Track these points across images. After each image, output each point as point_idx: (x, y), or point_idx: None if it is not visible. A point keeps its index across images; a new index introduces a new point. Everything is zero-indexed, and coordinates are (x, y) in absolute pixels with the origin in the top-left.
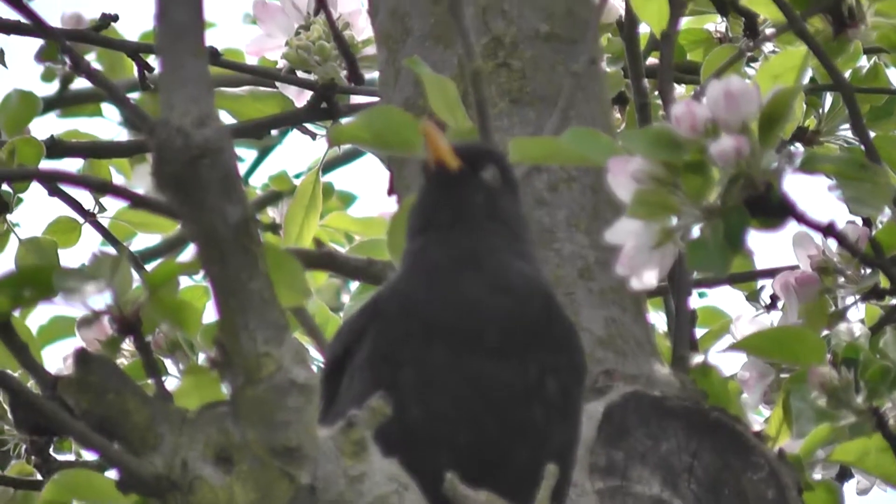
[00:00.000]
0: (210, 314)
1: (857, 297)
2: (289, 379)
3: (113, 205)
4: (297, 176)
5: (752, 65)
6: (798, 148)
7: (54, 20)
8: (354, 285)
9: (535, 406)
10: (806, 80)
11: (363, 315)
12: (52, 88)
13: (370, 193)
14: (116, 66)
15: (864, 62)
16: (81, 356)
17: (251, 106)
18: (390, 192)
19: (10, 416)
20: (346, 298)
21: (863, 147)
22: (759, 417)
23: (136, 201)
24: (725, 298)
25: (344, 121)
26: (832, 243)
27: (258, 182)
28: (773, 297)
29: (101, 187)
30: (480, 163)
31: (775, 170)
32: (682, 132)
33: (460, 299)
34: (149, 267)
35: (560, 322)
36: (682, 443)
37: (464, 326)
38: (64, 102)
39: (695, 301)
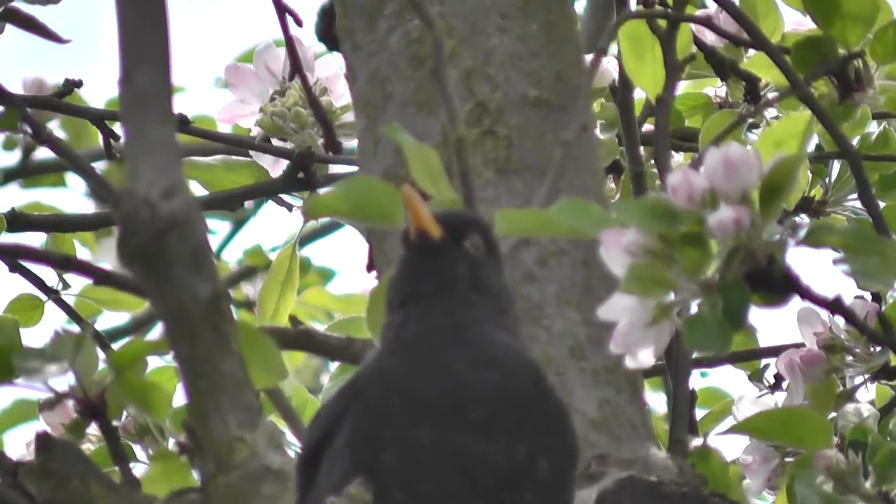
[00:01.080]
0: (180, 397)
1: (866, 376)
2: (263, 465)
3: (77, 281)
4: (273, 250)
5: (753, 131)
6: (803, 219)
7: (14, 86)
8: (334, 365)
9: (525, 490)
10: (811, 148)
11: (342, 397)
12: (13, 158)
13: (349, 268)
14: (81, 135)
15: (872, 128)
16: (44, 441)
17: (223, 176)
18: (370, 267)
19: None
20: (325, 379)
21: (871, 218)
22: None
23: (102, 277)
24: (727, 378)
25: (321, 191)
26: (839, 320)
27: (232, 257)
28: (777, 377)
29: (65, 263)
30: (463, 231)
31: (778, 242)
32: (678, 203)
33: (442, 373)
34: (115, 346)
35: (551, 399)
36: None
37: (446, 402)
38: (25, 173)
39: (694, 381)
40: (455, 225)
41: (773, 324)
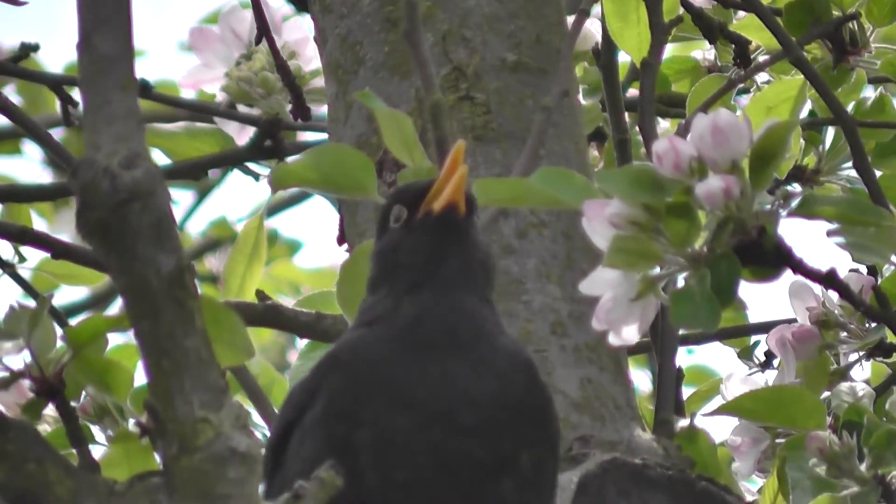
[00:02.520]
0: (141, 376)
1: (861, 353)
2: (229, 447)
3: (34, 254)
4: (239, 221)
5: (743, 96)
6: (795, 188)
7: None
8: (302, 343)
9: (505, 480)
10: (803, 114)
11: (317, 372)
12: None
13: (317, 240)
14: (37, 101)
15: (868, 93)
16: None
17: (187, 144)
18: (341, 239)
19: None
20: (292, 357)
21: (867, 188)
22: (752, 487)
23: (60, 251)
24: (715, 356)
25: (290, 160)
26: (833, 295)
27: (196, 228)
28: (768, 355)
29: (21, 235)
30: (474, 208)
31: (769, 213)
32: (665, 171)
33: (442, 379)
34: (73, 323)
35: (539, 394)
36: None
37: (437, 404)
38: None
39: (680, 359)
40: (468, 201)
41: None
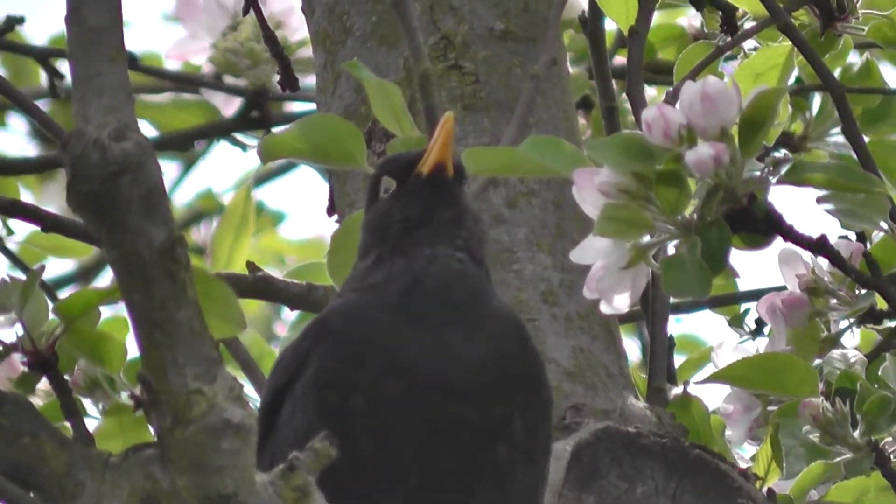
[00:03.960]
0: (134, 349)
1: (852, 320)
2: (223, 419)
3: (22, 227)
4: (226, 192)
5: (730, 63)
6: (784, 155)
7: None
8: (288, 315)
9: (497, 445)
10: (791, 80)
11: (306, 338)
12: None
13: (300, 210)
14: (23, 73)
15: (855, 59)
16: None
17: (173, 115)
18: (330, 210)
19: None
20: (279, 329)
21: (855, 154)
22: (745, 455)
23: (50, 223)
24: (705, 324)
25: (278, 131)
26: (823, 261)
27: (182, 200)
28: (759, 322)
29: (9, 208)
30: (463, 172)
31: (758, 180)
32: (654, 139)
33: (435, 343)
34: (62, 296)
35: (531, 359)
36: (661, 484)
37: (430, 367)
38: None
39: (672, 327)
40: (457, 165)
41: (754, 266)
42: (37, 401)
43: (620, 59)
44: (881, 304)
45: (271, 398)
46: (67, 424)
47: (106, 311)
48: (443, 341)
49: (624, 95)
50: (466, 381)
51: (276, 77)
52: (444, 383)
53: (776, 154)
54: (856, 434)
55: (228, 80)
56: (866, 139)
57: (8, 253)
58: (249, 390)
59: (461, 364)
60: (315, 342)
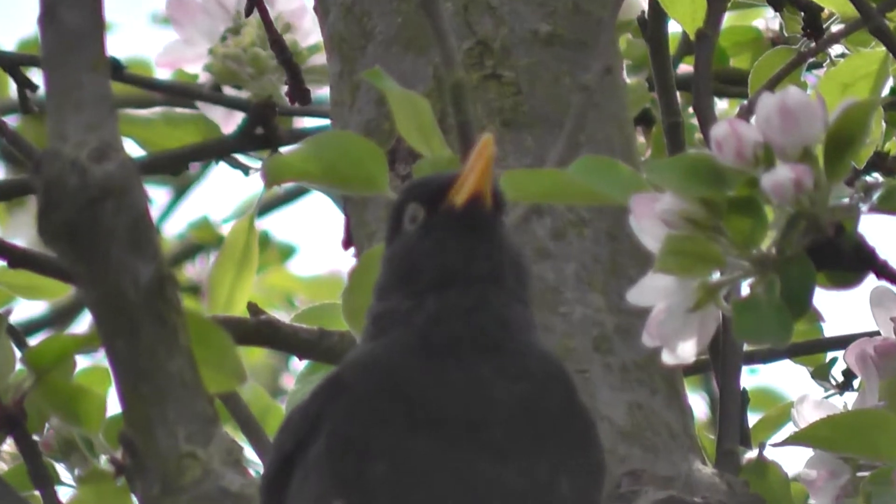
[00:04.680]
0: (115, 404)
1: None
2: (219, 487)
3: None
4: (225, 222)
5: (814, 72)
6: (876, 179)
7: None
8: (297, 365)
9: None
10: (885, 91)
11: (319, 396)
12: None
13: (312, 243)
14: None
15: None
16: None
17: (164, 133)
18: (347, 242)
19: None
20: (286, 382)
21: None
22: None
23: (18, 258)
24: (785, 376)
25: (285, 151)
26: None
27: (174, 230)
28: (847, 373)
29: None
30: (502, 201)
31: (847, 207)
32: (725, 160)
33: (463, 381)
34: (33, 343)
35: (580, 413)
36: None
37: (461, 415)
38: None
39: (745, 379)
40: (495, 195)
41: (842, 309)
42: (1, 465)
43: (686, 68)
44: None
45: (278, 466)
46: (37, 493)
47: (83, 361)
48: (478, 394)
49: (690, 109)
50: (504, 431)
51: (284, 88)
52: (478, 433)
53: (867, 178)
54: None
55: (228, 91)
56: None
57: None
58: (250, 454)
59: (497, 415)
60: (327, 401)
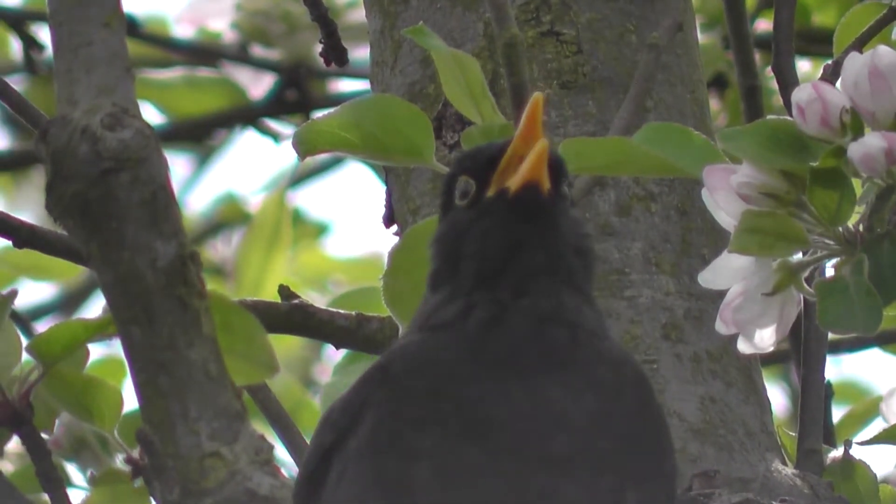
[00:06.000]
0: (133, 398)
1: None
2: (246, 489)
3: None
4: (253, 196)
5: None
6: None
7: None
8: (332, 354)
9: None
10: None
11: (363, 387)
12: None
13: (350, 220)
14: None
15: None
16: None
17: (186, 97)
18: (388, 219)
19: None
20: (320, 374)
21: None
22: None
23: (24, 236)
24: (873, 367)
25: (320, 116)
26: None
27: (197, 205)
28: None
29: None
30: (560, 177)
31: None
32: (808, 128)
33: (525, 396)
34: (41, 330)
35: (653, 417)
36: None
37: (520, 433)
38: None
39: (830, 371)
40: (554, 168)
41: None
42: (6, 466)
43: (765, 25)
44: None
45: (316, 462)
46: (46, 497)
47: (96, 350)
48: (535, 394)
49: (769, 71)
50: (567, 445)
51: (319, 47)
52: (536, 448)
53: None
54: None
55: (257, 51)
56: None
57: None
58: (282, 452)
59: (559, 422)
60: (373, 392)
